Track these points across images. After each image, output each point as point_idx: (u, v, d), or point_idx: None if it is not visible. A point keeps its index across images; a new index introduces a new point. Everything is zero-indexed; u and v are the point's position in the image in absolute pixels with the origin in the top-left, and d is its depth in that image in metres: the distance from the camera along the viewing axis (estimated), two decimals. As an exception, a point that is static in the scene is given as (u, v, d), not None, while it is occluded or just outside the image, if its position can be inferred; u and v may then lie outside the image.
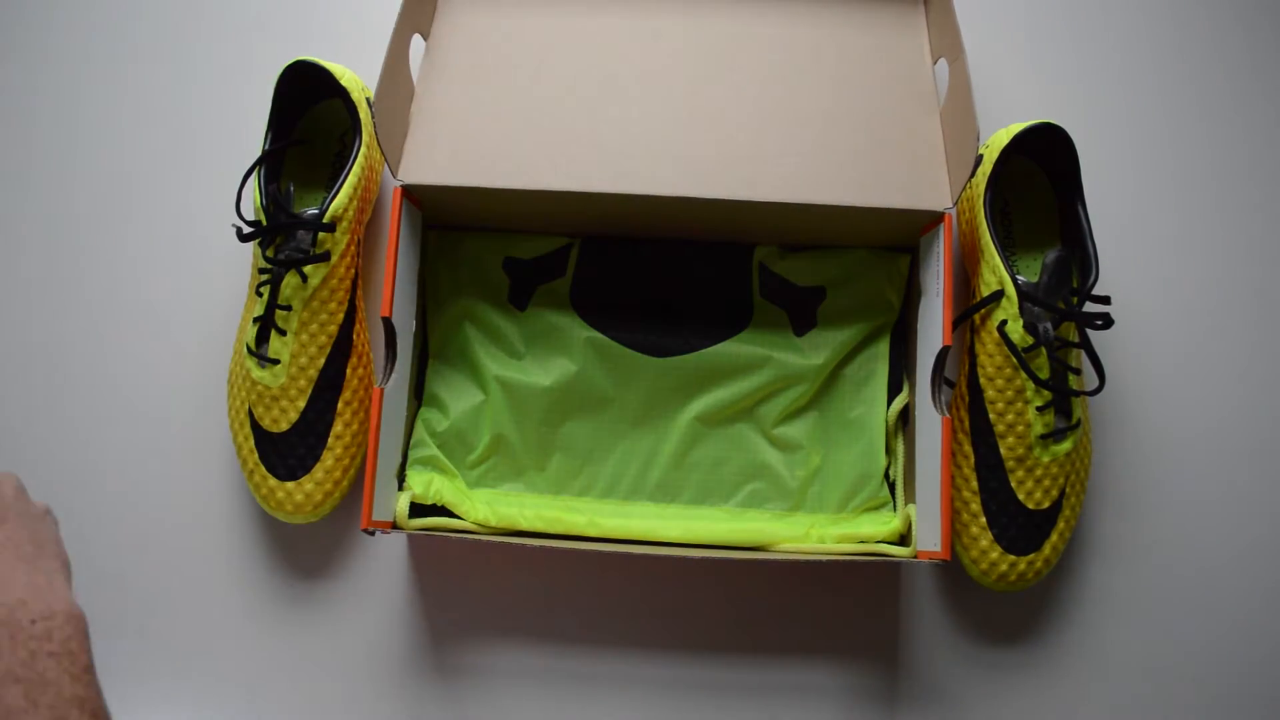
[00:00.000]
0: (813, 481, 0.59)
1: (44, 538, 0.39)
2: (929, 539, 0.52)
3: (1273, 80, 0.67)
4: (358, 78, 0.60)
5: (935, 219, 0.54)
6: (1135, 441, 0.62)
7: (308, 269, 0.55)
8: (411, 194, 0.55)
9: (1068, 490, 0.55)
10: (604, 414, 0.60)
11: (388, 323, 0.52)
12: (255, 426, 0.57)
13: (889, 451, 0.59)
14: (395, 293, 0.53)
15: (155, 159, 0.67)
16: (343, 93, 0.59)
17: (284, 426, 0.56)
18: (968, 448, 0.56)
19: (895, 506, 0.58)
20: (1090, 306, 0.62)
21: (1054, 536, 0.55)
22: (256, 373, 0.56)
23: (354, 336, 0.58)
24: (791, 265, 0.60)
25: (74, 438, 0.62)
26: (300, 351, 0.56)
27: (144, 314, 0.64)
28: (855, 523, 0.57)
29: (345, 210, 0.56)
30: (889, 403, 0.59)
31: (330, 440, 0.57)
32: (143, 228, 0.65)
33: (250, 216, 0.61)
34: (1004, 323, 0.54)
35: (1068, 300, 0.55)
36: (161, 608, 0.60)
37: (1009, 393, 0.54)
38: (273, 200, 0.56)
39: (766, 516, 0.58)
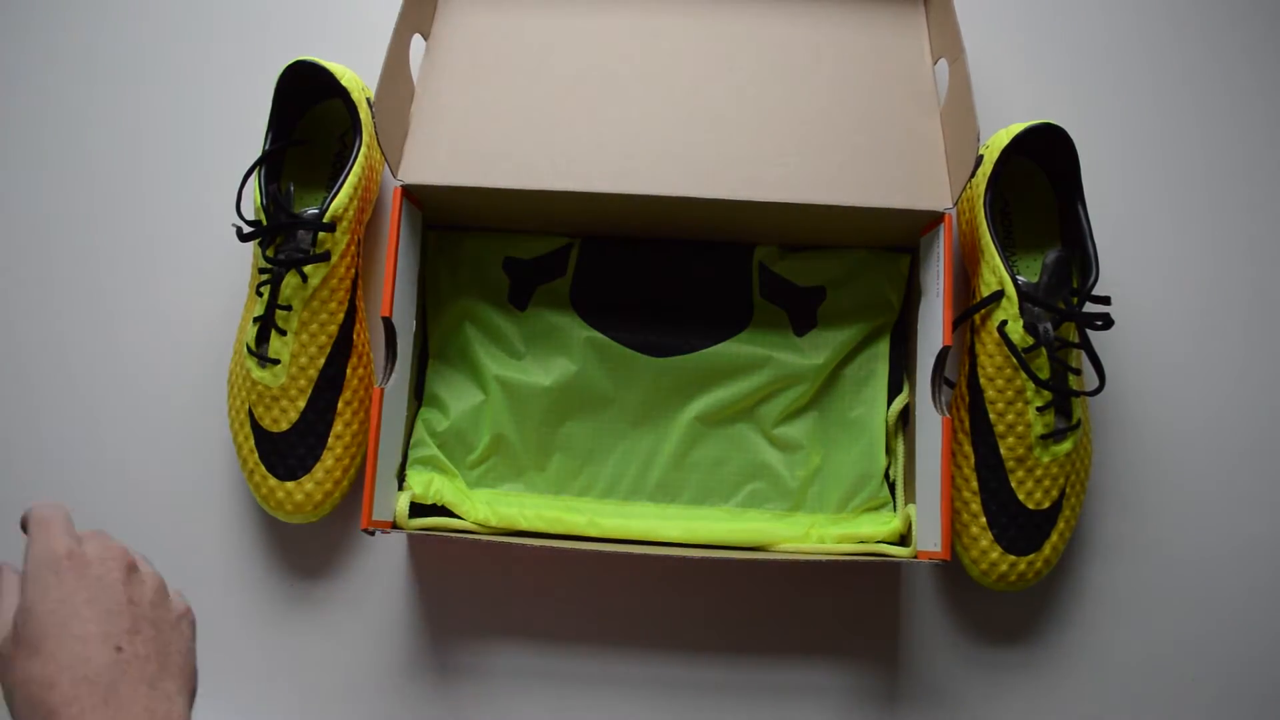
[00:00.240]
0: (813, 481, 0.59)
1: (172, 650, 0.37)
2: (929, 539, 0.52)
3: (1272, 80, 0.67)
4: (358, 78, 0.60)
5: (935, 219, 0.54)
6: (1135, 441, 0.62)
7: (308, 269, 0.55)
8: (411, 194, 0.55)
9: (1068, 490, 0.55)
10: (604, 414, 0.60)
11: (388, 323, 0.52)
12: (255, 426, 0.57)
13: (889, 451, 0.59)
14: (395, 293, 0.53)
15: (155, 159, 0.67)
16: (343, 93, 0.59)
17: (284, 426, 0.56)
18: (968, 448, 0.56)
19: (895, 506, 0.58)
20: (1090, 307, 0.62)
21: (1054, 537, 0.55)
22: (257, 373, 0.56)
23: (354, 336, 0.58)
24: (791, 265, 0.60)
25: (74, 437, 0.62)
26: (300, 351, 0.56)
27: (144, 314, 0.64)
28: (855, 523, 0.57)
29: (345, 210, 0.57)
30: (889, 403, 0.59)
31: (330, 440, 0.57)
32: (143, 227, 0.65)
33: (250, 216, 0.61)
34: (1004, 323, 0.54)
35: (1068, 300, 0.55)
36: (161, 608, 0.60)
37: (1009, 393, 0.54)
38: (273, 200, 0.56)
39: (766, 516, 0.58)
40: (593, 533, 0.56)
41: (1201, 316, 0.64)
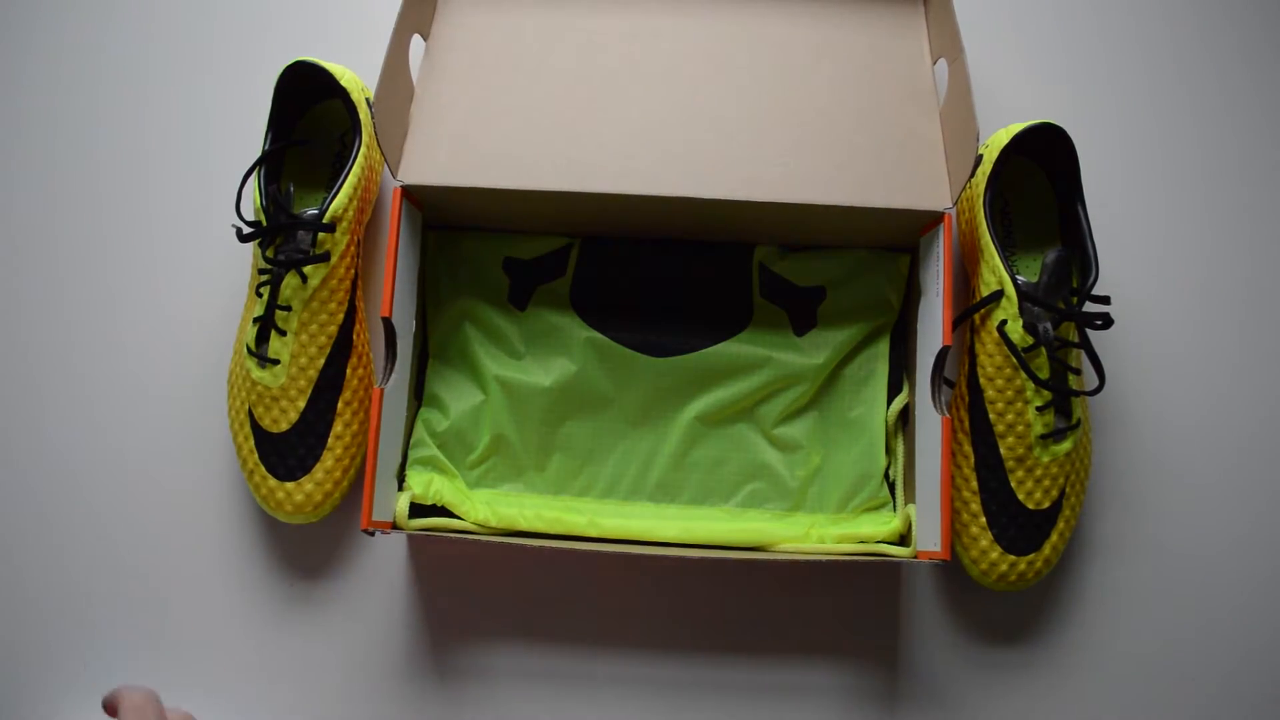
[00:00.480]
0: (813, 481, 0.59)
1: None
2: (929, 539, 0.52)
3: (1270, 79, 0.67)
4: (358, 78, 0.60)
5: (935, 219, 0.54)
6: (1135, 441, 0.62)
7: (308, 269, 0.55)
8: (411, 194, 0.55)
9: (1068, 490, 0.55)
10: (604, 414, 0.60)
11: (388, 323, 0.52)
12: (255, 427, 0.57)
13: (889, 451, 0.59)
14: (395, 293, 0.53)
15: (155, 159, 0.67)
16: (343, 93, 0.59)
17: (284, 427, 0.56)
18: (968, 448, 0.56)
19: (895, 506, 0.58)
20: (1090, 306, 0.62)
21: (1054, 536, 0.55)
22: (256, 373, 0.56)
23: (354, 336, 0.58)
24: (791, 265, 0.60)
25: (74, 438, 0.62)
26: (300, 352, 0.56)
27: (144, 314, 0.64)
28: (855, 523, 0.57)
29: (345, 211, 0.57)
30: (889, 403, 0.59)
31: (330, 440, 0.57)
32: (142, 228, 0.65)
33: (250, 217, 0.61)
34: (1004, 323, 0.54)
35: (1067, 300, 0.55)
36: (161, 607, 0.60)
37: (1009, 393, 0.54)
38: (273, 200, 0.56)
39: (766, 516, 0.58)
40: (593, 533, 0.56)
41: (1201, 316, 0.64)
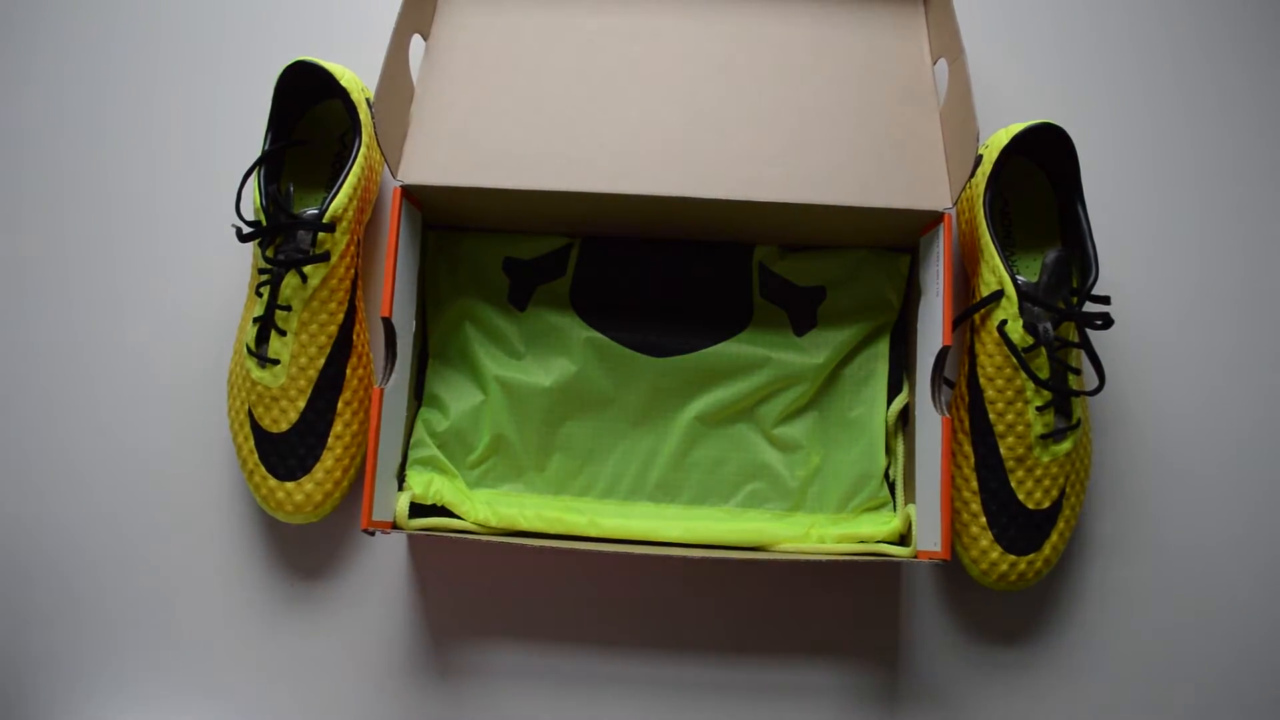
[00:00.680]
0: (813, 481, 0.59)
1: None
2: (929, 539, 0.52)
3: (1268, 79, 0.67)
4: (358, 78, 0.60)
5: (935, 219, 0.54)
6: (1135, 441, 0.62)
7: (307, 269, 0.55)
8: (411, 194, 0.55)
9: (1068, 490, 0.55)
10: (604, 414, 0.60)
11: (388, 323, 0.52)
12: (255, 427, 0.57)
13: (889, 451, 0.59)
14: (395, 293, 0.53)
15: (155, 159, 0.67)
16: (342, 93, 0.59)
17: (284, 427, 0.56)
18: (968, 448, 0.56)
19: (895, 506, 0.58)
20: (1090, 306, 0.62)
21: (1054, 536, 0.55)
22: (256, 373, 0.56)
23: (354, 336, 0.58)
24: (791, 265, 0.60)
25: (74, 438, 0.62)
26: (300, 352, 0.56)
27: (144, 314, 0.64)
28: (855, 523, 0.57)
29: (345, 210, 0.57)
30: (889, 403, 0.59)
31: (330, 440, 0.57)
32: (142, 228, 0.65)
33: (250, 217, 0.61)
34: (1004, 322, 0.54)
35: (1067, 300, 0.55)
36: (162, 608, 0.60)
37: (1009, 393, 0.54)
38: (272, 200, 0.56)
39: (766, 516, 0.58)
40: (593, 533, 0.56)
41: (1201, 316, 0.64)
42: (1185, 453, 0.62)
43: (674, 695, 0.58)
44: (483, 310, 0.60)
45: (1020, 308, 0.53)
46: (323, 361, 0.56)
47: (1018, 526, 0.55)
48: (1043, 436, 0.54)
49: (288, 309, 0.55)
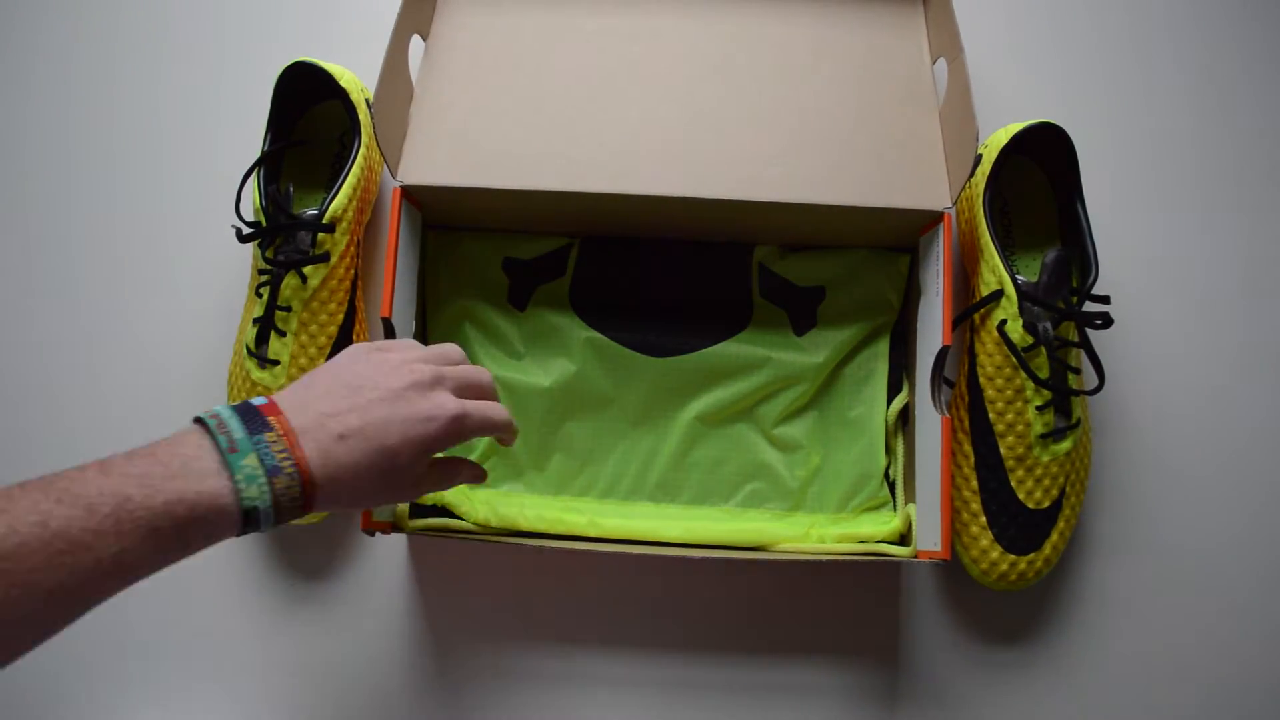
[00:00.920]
0: (812, 481, 0.59)
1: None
2: (929, 538, 0.52)
3: (1269, 78, 0.67)
4: (357, 78, 0.60)
5: (935, 219, 0.54)
6: (1135, 440, 0.62)
7: (307, 270, 0.55)
8: (411, 194, 0.55)
9: (1068, 490, 0.55)
10: (604, 414, 0.60)
11: (388, 323, 0.52)
12: (255, 427, 0.57)
13: (889, 451, 0.59)
14: (395, 293, 0.53)
15: (154, 159, 0.67)
16: (342, 93, 0.59)
17: (284, 427, 0.56)
18: (967, 447, 0.56)
19: (895, 506, 0.58)
20: (1090, 306, 0.62)
21: (1054, 536, 0.55)
22: (256, 374, 0.56)
23: (354, 337, 0.58)
24: (791, 265, 0.60)
25: (73, 438, 0.62)
26: (300, 352, 0.56)
27: (144, 315, 0.64)
28: (855, 522, 0.57)
29: (345, 211, 0.57)
30: (889, 402, 0.59)
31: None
32: (142, 228, 0.65)
33: (250, 217, 0.61)
34: (1003, 322, 0.54)
35: (1067, 300, 0.55)
36: (161, 608, 0.60)
37: (1009, 392, 0.54)
38: (272, 201, 0.56)
39: (766, 516, 0.58)
40: (593, 533, 0.56)
41: (1200, 315, 0.64)
42: (1185, 452, 0.62)
43: (674, 695, 0.58)
44: (482, 310, 0.60)
45: (1020, 307, 0.53)
46: (323, 362, 0.56)
47: (1018, 526, 0.55)
48: (1043, 436, 0.54)
49: (288, 310, 0.55)
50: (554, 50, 0.59)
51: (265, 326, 0.56)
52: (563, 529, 0.56)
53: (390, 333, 0.53)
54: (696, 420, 0.59)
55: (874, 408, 0.59)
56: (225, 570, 0.60)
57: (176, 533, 0.36)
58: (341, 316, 0.57)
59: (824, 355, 0.59)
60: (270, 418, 0.39)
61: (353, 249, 0.58)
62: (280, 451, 0.39)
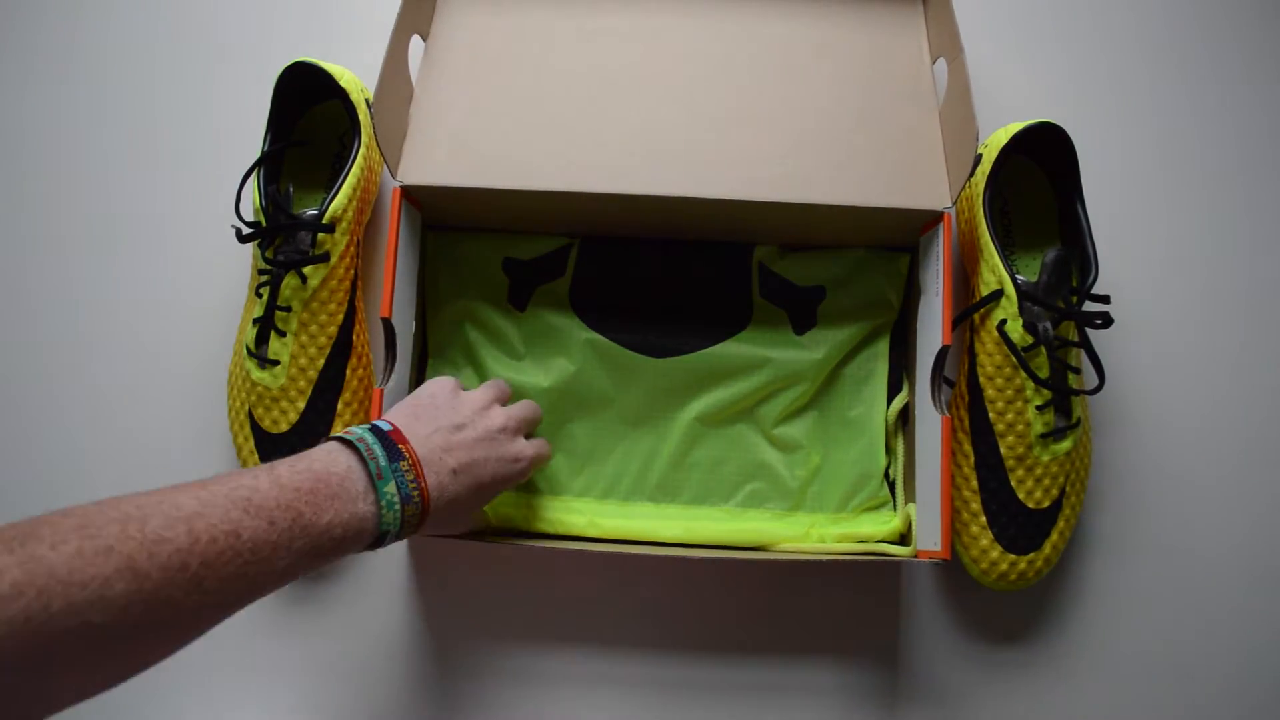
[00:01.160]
0: (812, 481, 0.59)
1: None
2: (929, 538, 0.52)
3: (1269, 77, 0.67)
4: (357, 78, 0.60)
5: (934, 218, 0.54)
6: (1135, 440, 0.62)
7: (307, 270, 0.55)
8: (411, 195, 0.55)
9: (1068, 489, 0.55)
10: (604, 414, 0.60)
11: (387, 323, 0.52)
12: (255, 427, 0.57)
13: (889, 451, 0.59)
14: (395, 293, 0.53)
15: (154, 160, 0.67)
16: (342, 94, 0.59)
17: (284, 427, 0.56)
18: (967, 447, 0.56)
19: (895, 506, 0.58)
20: (1090, 306, 0.62)
21: (1054, 535, 0.55)
22: (256, 374, 0.56)
23: (354, 337, 0.58)
24: (791, 265, 0.60)
25: (74, 439, 0.62)
26: (300, 352, 0.56)
27: (143, 315, 0.64)
28: (855, 522, 0.57)
29: (344, 211, 0.57)
30: (889, 402, 0.59)
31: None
32: (142, 229, 0.65)
33: (250, 217, 0.61)
34: (1003, 322, 0.54)
35: (1067, 299, 0.55)
36: (162, 609, 0.60)
37: (1009, 392, 0.54)
38: (272, 201, 0.56)
39: (766, 516, 0.58)
40: (593, 533, 0.56)
41: (1201, 315, 0.64)
42: (1185, 452, 0.62)
43: (674, 695, 0.58)
44: (482, 310, 0.60)
45: (1020, 307, 0.53)
46: (323, 362, 0.56)
47: (1018, 526, 0.55)
48: (1043, 436, 0.54)
49: (287, 310, 0.55)
50: (554, 50, 0.59)
51: (265, 326, 0.56)
52: (563, 529, 0.56)
53: (390, 333, 0.53)
54: (696, 420, 0.59)
55: (874, 407, 0.59)
56: (225, 570, 0.60)
57: (331, 549, 0.38)
58: (341, 316, 0.57)
59: (824, 355, 0.59)
60: (401, 446, 0.43)
61: (353, 249, 0.58)
62: (411, 481, 0.42)
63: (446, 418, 0.47)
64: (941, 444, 0.51)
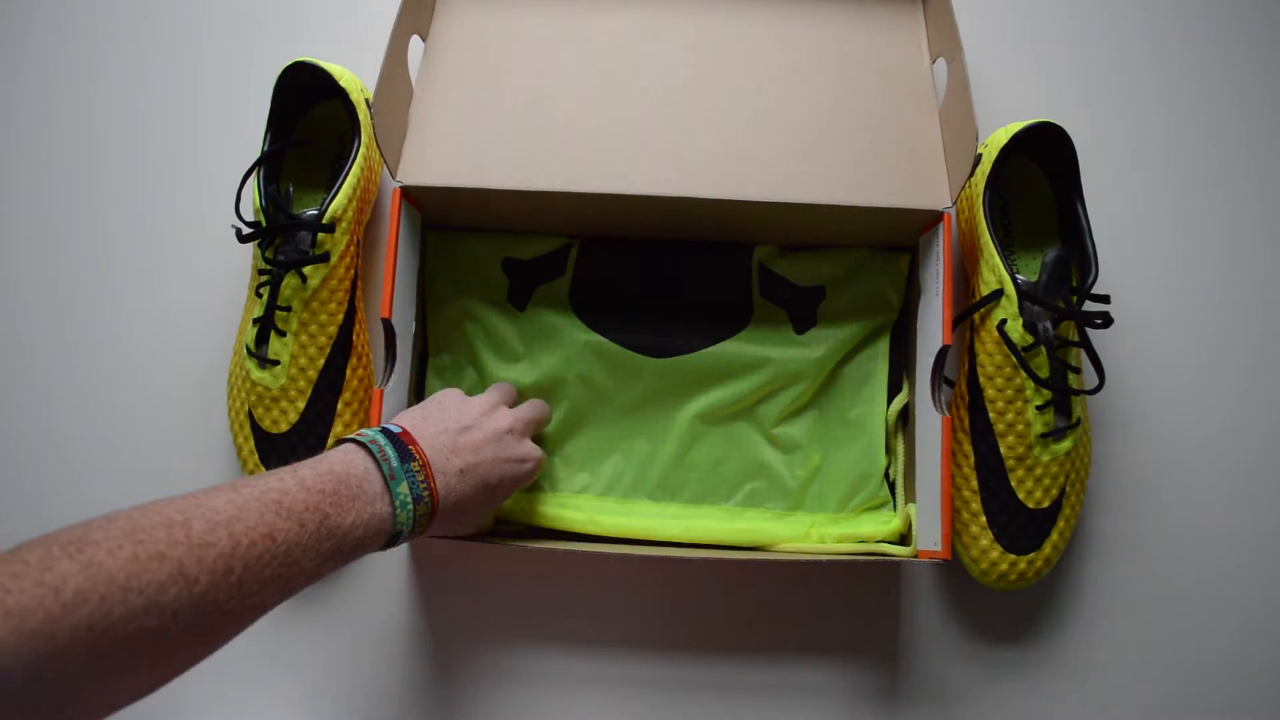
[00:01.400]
0: (812, 481, 0.59)
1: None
2: (929, 538, 0.52)
3: (1268, 77, 0.67)
4: (357, 78, 0.60)
5: (934, 218, 0.54)
6: (1135, 441, 0.62)
7: (307, 270, 0.55)
8: (410, 195, 0.55)
9: (1068, 489, 0.55)
10: (604, 414, 0.60)
11: (387, 323, 0.52)
12: (255, 428, 0.57)
13: (889, 451, 0.59)
14: (395, 293, 0.53)
15: (155, 159, 0.67)
16: (342, 93, 0.59)
17: (284, 428, 0.56)
18: (967, 447, 0.56)
19: (895, 506, 0.58)
20: (1090, 305, 0.62)
21: (1054, 535, 0.55)
22: (256, 374, 0.56)
23: (354, 337, 0.58)
24: (791, 265, 0.60)
25: (74, 439, 0.62)
26: (300, 352, 0.56)
27: (143, 315, 0.64)
28: (855, 522, 0.57)
29: (344, 211, 0.57)
30: (889, 402, 0.59)
31: (330, 441, 0.57)
32: (142, 229, 0.65)
33: (250, 217, 0.61)
34: (1003, 322, 0.54)
35: (1067, 299, 0.55)
36: (162, 609, 0.60)
37: (1009, 392, 0.54)
38: (272, 201, 0.56)
39: (766, 516, 0.58)
40: (592, 529, 0.56)
41: (1201, 315, 0.64)
42: (1185, 452, 0.62)
43: (674, 695, 0.58)
44: (482, 310, 0.60)
45: (1020, 307, 0.53)
46: (323, 362, 0.56)
47: (1018, 526, 0.55)
48: (1043, 435, 0.54)
49: (287, 310, 0.55)
50: (553, 50, 0.59)
51: (265, 326, 0.56)
52: (562, 525, 0.56)
53: (390, 333, 0.53)
54: (696, 419, 0.59)
55: (874, 407, 0.59)
56: (225, 570, 0.60)
57: (352, 550, 0.39)
58: (341, 316, 0.57)
59: (824, 354, 0.59)
60: (411, 447, 0.43)
61: (353, 249, 0.58)
62: (421, 481, 0.43)
63: (454, 419, 0.48)
64: (941, 444, 0.51)
